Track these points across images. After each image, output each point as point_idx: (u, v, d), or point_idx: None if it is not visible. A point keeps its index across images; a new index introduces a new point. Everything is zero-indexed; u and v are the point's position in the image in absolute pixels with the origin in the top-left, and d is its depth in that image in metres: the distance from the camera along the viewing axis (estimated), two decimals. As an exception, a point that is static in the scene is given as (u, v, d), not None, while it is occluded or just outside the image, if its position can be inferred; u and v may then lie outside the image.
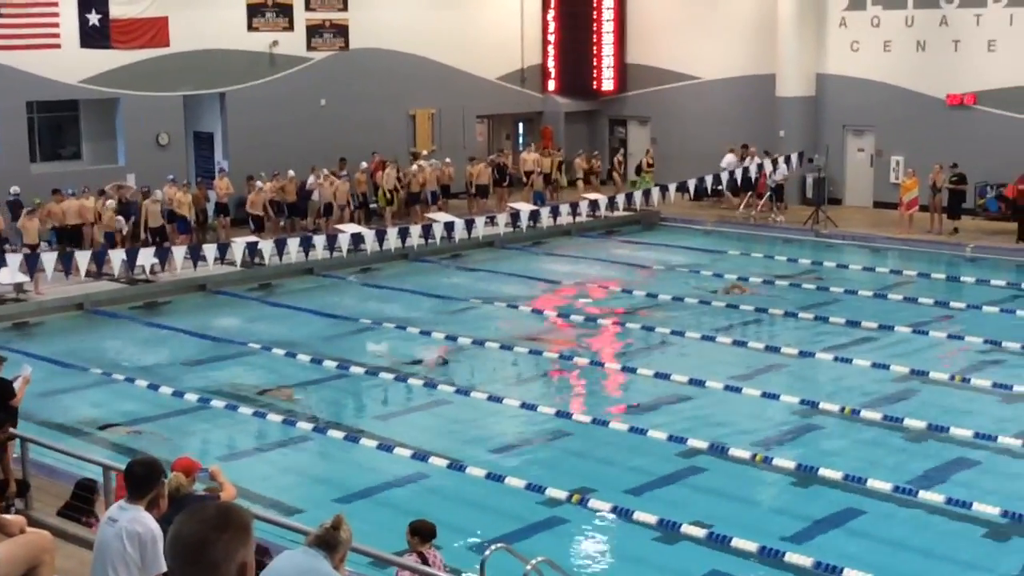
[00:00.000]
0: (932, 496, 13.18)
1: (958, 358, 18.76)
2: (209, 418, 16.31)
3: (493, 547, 10.35)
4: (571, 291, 24.63)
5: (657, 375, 17.92)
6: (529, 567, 9.89)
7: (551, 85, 37.91)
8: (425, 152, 33.05)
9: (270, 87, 31.51)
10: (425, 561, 9.44)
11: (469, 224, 27.81)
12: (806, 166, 31.74)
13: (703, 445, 14.78)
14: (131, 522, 7.00)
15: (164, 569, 6.98)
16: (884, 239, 28.55)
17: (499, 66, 36.60)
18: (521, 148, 36.43)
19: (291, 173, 29.36)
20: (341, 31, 32.68)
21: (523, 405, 16.52)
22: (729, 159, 31.93)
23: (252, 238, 25.80)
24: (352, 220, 28.93)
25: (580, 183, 33.94)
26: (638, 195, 30.31)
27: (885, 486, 13.44)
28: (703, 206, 32.72)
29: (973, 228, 28.52)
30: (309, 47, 32.21)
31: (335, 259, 26.04)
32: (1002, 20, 29.97)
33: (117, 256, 23.31)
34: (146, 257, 23.60)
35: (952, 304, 22.21)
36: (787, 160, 30.97)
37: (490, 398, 16.87)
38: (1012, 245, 27.12)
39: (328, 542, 6.25)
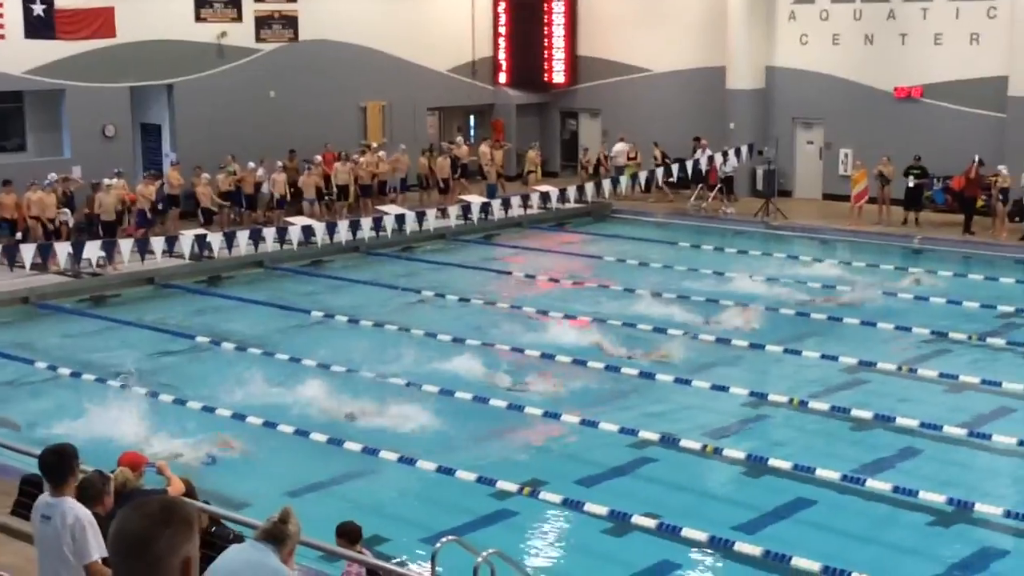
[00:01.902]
0: (879, 484, 13.30)
1: (905, 348, 18.91)
2: (158, 412, 16.13)
3: (444, 540, 10.32)
4: (522, 283, 24.63)
5: (608, 367, 17.95)
6: (480, 559, 9.85)
7: (502, 78, 37.90)
8: (375, 144, 32.91)
9: (218, 79, 31.25)
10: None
11: (420, 216, 27.75)
12: (756, 158, 31.92)
13: (654, 436, 14.82)
14: (63, 515, 6.95)
15: (94, 557, 6.93)
16: (833, 231, 28.77)
17: (450, 58, 36.53)
18: (472, 140, 36.38)
19: (251, 165, 29.18)
20: (290, 22, 32.46)
21: (475, 399, 16.50)
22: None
23: (201, 231, 25.61)
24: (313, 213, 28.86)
25: (532, 176, 33.94)
26: (589, 188, 30.36)
27: (833, 475, 13.55)
28: (654, 198, 32.83)
29: (921, 220, 28.80)
30: (258, 38, 31.97)
31: (286, 252, 25.91)
32: (948, 14, 30.28)
33: (63, 249, 23.04)
34: (92, 250, 23.35)
35: (900, 295, 22.40)
36: (737, 152, 31.14)
37: (442, 391, 16.83)
38: (959, 237, 27.42)
39: (276, 535, 6.20)
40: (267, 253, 25.62)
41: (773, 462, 14.00)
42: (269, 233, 25.49)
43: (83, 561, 6.90)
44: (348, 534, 9.66)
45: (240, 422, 15.65)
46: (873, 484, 13.34)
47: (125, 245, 23.62)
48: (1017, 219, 27.51)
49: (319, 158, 30.30)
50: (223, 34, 31.23)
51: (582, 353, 18.76)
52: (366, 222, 26.92)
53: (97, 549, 6.94)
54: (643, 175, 31.33)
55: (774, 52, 33.21)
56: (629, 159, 33.56)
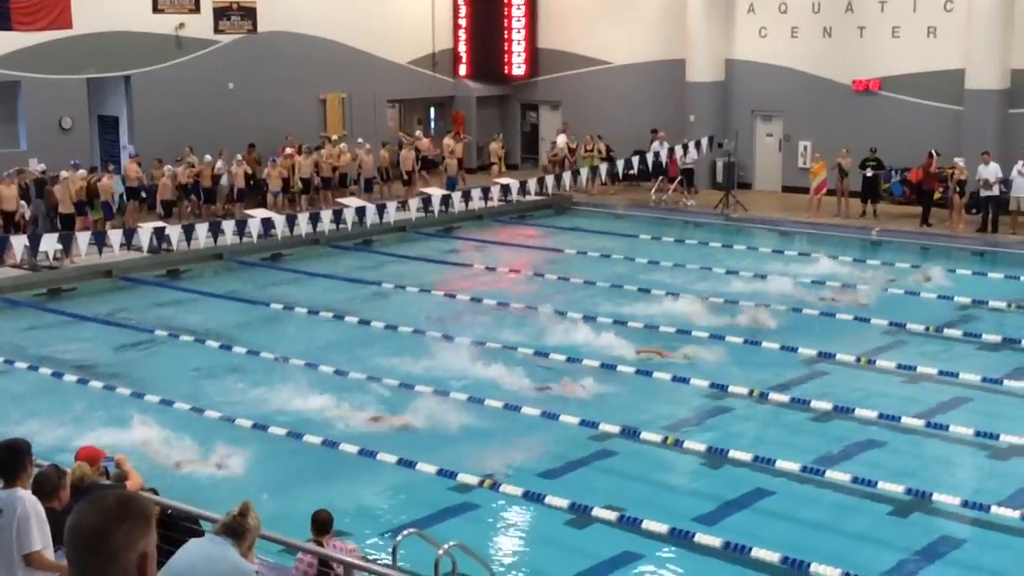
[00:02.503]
0: (838, 475, 13.39)
1: (864, 340, 19.02)
2: (116, 405, 16.01)
3: (405, 532, 10.31)
4: (483, 275, 24.60)
5: (569, 359, 17.97)
6: (441, 552, 9.85)
7: (462, 70, 37.82)
8: (335, 136, 32.77)
9: (177, 70, 31.01)
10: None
11: (380, 209, 27.68)
12: (716, 151, 32.04)
13: (615, 429, 14.84)
14: (13, 507, 6.90)
15: (36, 547, 6.86)
16: (793, 223, 28.92)
17: (410, 50, 36.43)
18: (433, 133, 36.31)
19: (207, 158, 28.98)
20: (249, 14, 32.26)
21: (436, 391, 16.46)
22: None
23: (159, 223, 25.41)
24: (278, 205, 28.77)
25: (495, 168, 33.92)
26: (550, 180, 30.38)
27: (793, 466, 13.63)
28: (615, 190, 32.90)
29: (880, 212, 29.00)
30: (216, 30, 31.76)
31: (245, 244, 25.76)
32: (906, 7, 30.49)
33: (19, 242, 22.79)
34: (49, 243, 23.11)
35: (858, 287, 22.54)
36: (697, 145, 31.23)
37: (402, 384, 16.78)
38: (916, 229, 27.63)
39: (235, 529, 6.19)
40: (226, 246, 25.44)
41: (733, 453, 14.06)
42: (228, 226, 25.32)
43: (24, 551, 6.83)
44: (314, 521, 9.61)
45: (198, 416, 15.55)
46: (832, 475, 13.42)
47: (83, 238, 23.39)
48: (974, 211, 27.74)
49: (289, 150, 30.14)
50: (181, 25, 30.99)
51: (543, 346, 18.76)
52: (326, 215, 26.79)
53: (40, 540, 6.87)
54: (603, 167, 31.39)
55: (733, 45, 33.32)
56: (587, 151, 33.59)
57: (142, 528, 3.77)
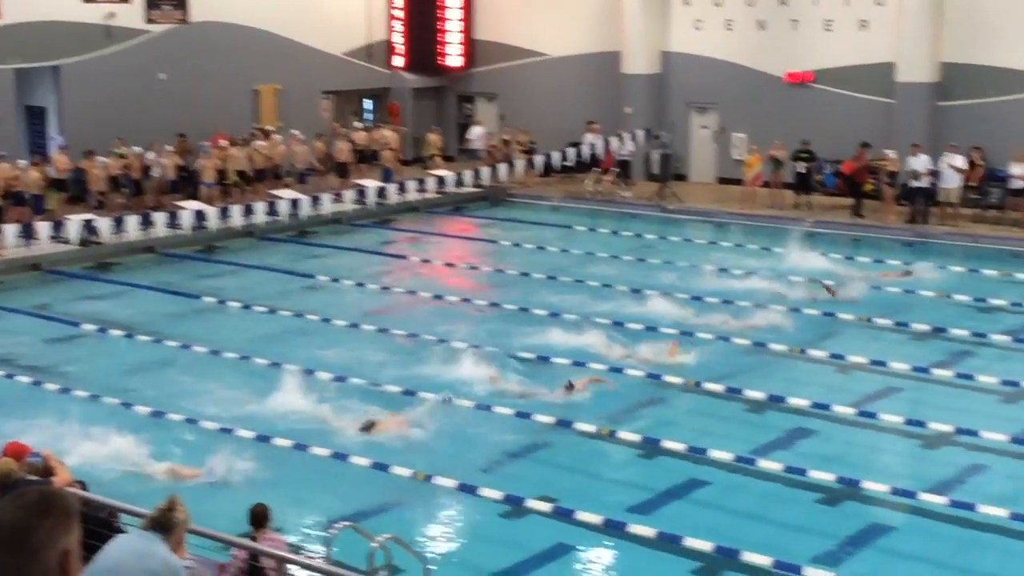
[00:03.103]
0: (770, 464, 13.50)
1: (796, 330, 19.17)
2: (43, 400, 15.77)
3: (339, 525, 10.26)
4: (418, 267, 24.53)
5: (505, 350, 17.95)
6: (375, 544, 9.82)
7: (398, 61, 37.65)
8: (271, 128, 32.52)
9: (107, 61, 30.59)
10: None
11: (315, 201, 27.52)
12: (651, 142, 32.18)
13: (549, 420, 14.86)
14: None
15: None
16: (727, 214, 29.12)
17: (345, 41, 36.21)
18: (370, 124, 36.14)
19: (136, 149, 28.62)
20: (180, 3, 31.91)
21: (369, 384, 16.39)
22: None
23: (88, 215, 25.06)
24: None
25: (436, 159, 33.84)
26: (485, 171, 30.35)
27: (727, 456, 13.72)
28: (551, 182, 32.95)
29: (813, 203, 29.26)
30: (147, 19, 31.36)
31: (177, 237, 25.50)
32: (838, 1, 30.77)
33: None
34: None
35: (791, 277, 22.73)
36: (633, 136, 31.35)
37: (336, 377, 16.69)
38: (848, 220, 27.94)
39: (163, 524, 6.16)
40: (158, 238, 25.17)
41: (667, 444, 14.13)
42: (160, 218, 25.05)
43: None
44: (251, 514, 9.52)
45: (127, 410, 15.36)
46: (764, 464, 13.54)
47: (9, 230, 23.01)
48: (904, 202, 28.08)
49: (224, 142, 29.84)
50: (111, 15, 30.56)
51: (477, 338, 18.75)
52: (260, 206, 26.60)
53: None
54: (539, 159, 31.43)
55: (669, 37, 33.47)
56: (519, 143, 33.60)
57: (65, 525, 3.71)
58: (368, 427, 14.40)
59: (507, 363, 17.27)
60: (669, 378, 16.60)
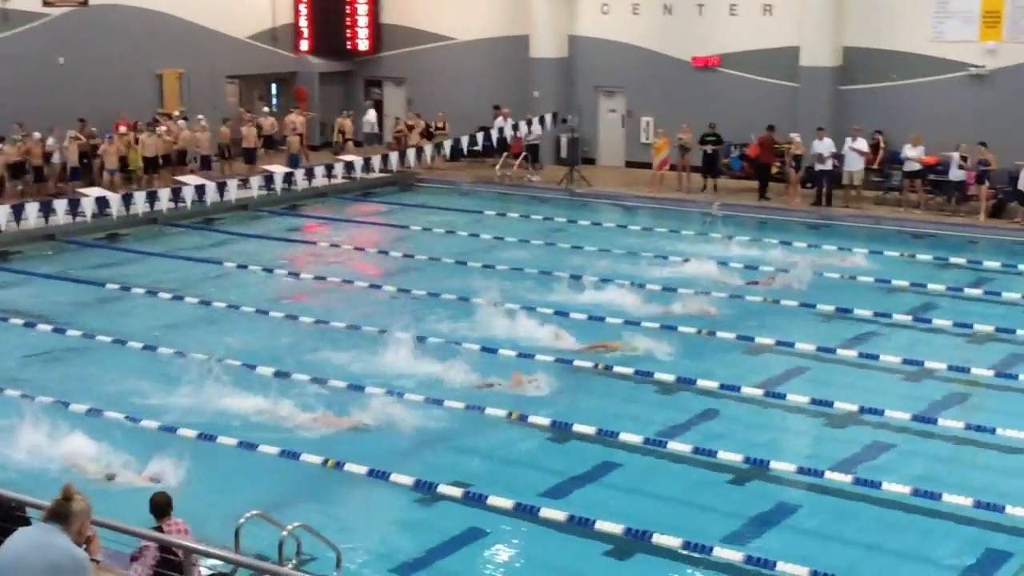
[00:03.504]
0: (680, 446, 13.59)
1: (704, 310, 19.31)
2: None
3: (248, 514, 10.11)
4: (327, 253, 24.32)
5: (415, 335, 17.85)
6: (285, 533, 9.70)
7: (304, 45, 37.26)
8: (176, 113, 32.00)
9: (3, 44, 29.91)
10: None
11: (221, 187, 27.15)
12: (560, 126, 32.24)
13: (459, 405, 14.80)
14: None
15: None
16: (636, 197, 29.28)
17: (249, 25, 35.74)
18: (276, 109, 35.76)
19: (36, 135, 27.99)
20: (80, -14, 31.25)
21: (277, 373, 16.22)
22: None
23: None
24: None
25: (349, 143, 33.56)
26: (393, 156, 30.19)
27: (636, 439, 13.78)
28: (460, 166, 32.88)
29: (719, 186, 29.56)
30: (45, 2, 30.70)
31: (79, 224, 25.00)
32: (743, -15, 31.09)
33: None
34: None
35: (698, 260, 22.90)
36: (541, 120, 31.38)
37: (244, 364, 16.48)
38: (755, 203, 28.24)
39: (60, 514, 6.10)
40: (59, 226, 24.66)
41: (578, 427, 14.15)
42: (60, 205, 24.54)
43: None
44: (154, 506, 9.35)
45: (29, 401, 15.00)
46: (674, 446, 13.62)
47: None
48: (809, 185, 28.45)
49: (123, 128, 29.29)
50: (6, -1, 29.87)
51: (386, 324, 18.64)
52: (164, 193, 26.18)
53: None
54: (448, 144, 31.33)
55: (576, 22, 33.52)
56: (438, 129, 33.49)
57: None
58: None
59: (417, 348, 17.18)
60: (579, 362, 16.62)
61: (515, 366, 16.45)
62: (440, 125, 33.45)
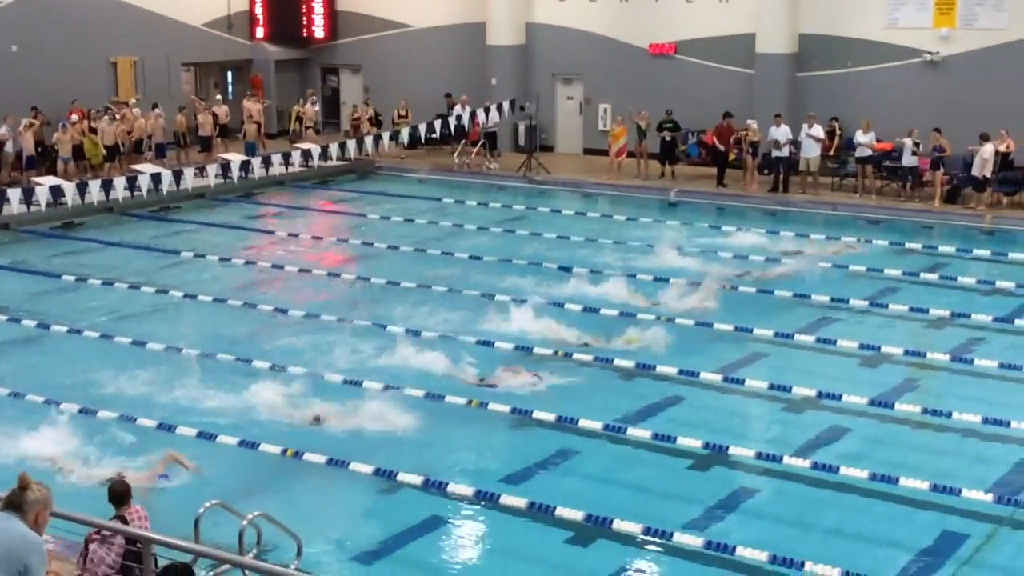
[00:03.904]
0: (640, 432, 13.63)
1: (663, 298, 19.36)
2: None
3: (207, 504, 10.06)
4: (286, 242, 24.19)
5: (374, 324, 17.84)
6: (245, 522, 9.66)
7: (260, 32, 37.01)
8: (133, 101, 31.70)
9: (-45, 32, 29.52)
10: (125, 523, 9.04)
11: (177, 176, 26.94)
12: (518, 114, 32.22)
13: (418, 393, 14.78)
14: None
15: None
16: (594, 184, 29.32)
17: (204, 12, 35.47)
18: (232, 97, 35.52)
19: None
20: (32, -27, 30.87)
21: (237, 359, 16.15)
22: None
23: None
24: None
25: (309, 131, 33.38)
26: (351, 145, 30.08)
27: (596, 425, 13.81)
28: (419, 154, 32.79)
29: (677, 173, 29.65)
30: (-3, -10, 30.32)
31: (33, 214, 24.74)
32: (700, -28, 31.16)
33: None
34: None
35: (658, 246, 22.98)
36: (499, 108, 31.34)
37: (203, 354, 16.39)
38: (712, 189, 28.35)
39: (16, 503, 6.17)
40: (13, 215, 24.39)
41: (538, 414, 14.16)
42: (15, 194, 24.26)
43: None
44: (113, 495, 9.27)
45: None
46: (634, 432, 13.66)
47: None
48: (766, 172, 28.59)
49: (75, 117, 28.99)
50: (-42, -16, 29.49)
51: (344, 311, 18.60)
52: (120, 182, 25.96)
53: None
54: (405, 132, 31.23)
55: (533, 9, 33.49)
56: (400, 117, 33.36)
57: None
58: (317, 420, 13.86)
59: (377, 336, 17.14)
60: (539, 350, 16.63)
61: (477, 353, 16.44)
62: (403, 113, 33.25)
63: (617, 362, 16.11)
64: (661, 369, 15.79)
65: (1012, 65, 27.66)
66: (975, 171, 25.63)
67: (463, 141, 31.74)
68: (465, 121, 31.27)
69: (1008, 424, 13.78)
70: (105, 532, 9.01)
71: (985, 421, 13.92)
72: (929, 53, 28.59)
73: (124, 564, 8.97)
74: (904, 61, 28.98)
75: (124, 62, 33.17)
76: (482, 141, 31.72)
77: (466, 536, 11.51)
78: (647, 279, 20.46)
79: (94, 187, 25.46)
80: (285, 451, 13.02)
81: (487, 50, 33.49)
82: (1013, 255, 22.22)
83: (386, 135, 30.83)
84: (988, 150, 25.29)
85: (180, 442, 13.36)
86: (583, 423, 13.85)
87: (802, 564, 10.49)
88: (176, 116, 31.22)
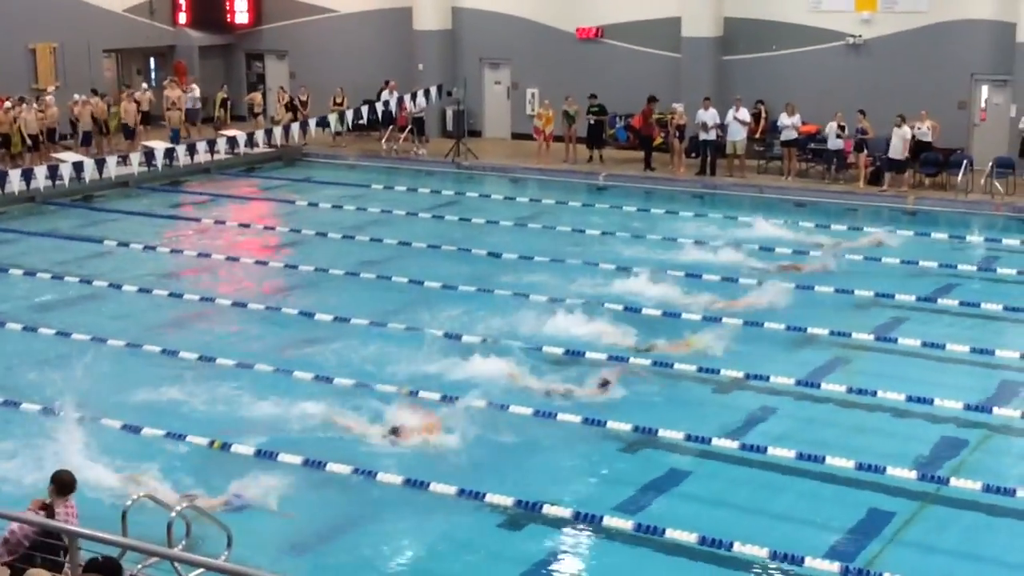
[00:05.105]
0: (570, 417, 13.62)
1: (591, 282, 19.40)
2: None
3: (135, 496, 9.96)
4: (212, 230, 23.93)
5: (301, 313, 17.72)
6: (173, 514, 9.58)
7: (182, 18, 36.51)
8: (51, 89, 31.14)
9: None
10: (52, 515, 8.91)
11: (100, 164, 26.55)
12: (446, 99, 32.12)
13: (349, 383, 14.69)
14: None
15: None
16: (523, 169, 29.32)
17: (126, -3, 34.92)
18: (155, 84, 35.04)
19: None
20: (-54, -43, 30.21)
21: (163, 351, 15.96)
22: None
23: None
24: None
25: (259, 118, 33.06)
26: (278, 131, 29.83)
27: (527, 411, 13.79)
28: (346, 140, 32.58)
29: (606, 157, 29.73)
30: (-90, -25, 29.62)
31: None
32: (625, -44, 31.21)
33: None
34: None
35: (587, 231, 23.05)
36: (427, 93, 31.22)
37: (128, 344, 16.19)
38: (640, 173, 28.46)
39: None
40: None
41: (470, 400, 14.07)
42: (-68, 185, 23.79)
43: None
44: (55, 482, 9.11)
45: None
46: (564, 417, 13.63)
47: None
48: (693, 155, 28.74)
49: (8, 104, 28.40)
50: None
51: (273, 301, 18.46)
52: (40, 171, 25.52)
53: None
54: (334, 118, 31.00)
55: (459, -7, 33.41)
56: (336, 104, 33.05)
57: None
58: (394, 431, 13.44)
59: (305, 324, 17.03)
60: (468, 338, 16.58)
61: (402, 340, 16.39)
62: (339, 100, 32.83)
63: (546, 350, 16.09)
64: (589, 355, 15.80)
65: (932, 47, 28.04)
66: (892, 153, 25.94)
67: (391, 127, 31.57)
68: (393, 107, 31.12)
69: (932, 402, 14.02)
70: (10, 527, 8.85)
71: (909, 399, 14.15)
72: (852, 36, 28.90)
73: (41, 541, 8.78)
74: (828, 44, 29.27)
75: (44, 49, 32.56)
76: (410, 127, 31.57)
77: (399, 524, 11.40)
78: (575, 262, 20.49)
79: (14, 176, 25.01)
80: (212, 442, 12.86)
81: (414, 35, 33.33)
82: (936, 235, 22.54)
83: (312, 121, 30.58)
84: (906, 132, 25.65)
85: (105, 433, 13.14)
86: (513, 408, 13.81)
87: (731, 545, 10.59)
88: (98, 104, 30.68)
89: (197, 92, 32.95)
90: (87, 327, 16.92)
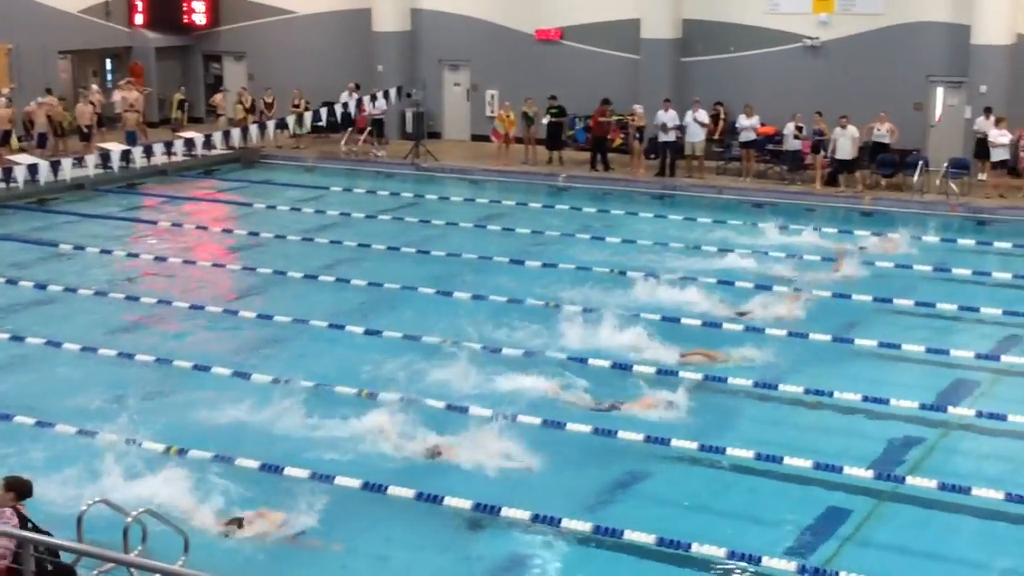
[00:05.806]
0: (529, 419, 13.57)
1: (552, 285, 19.38)
2: None
3: (91, 502, 9.86)
4: (169, 233, 23.76)
5: (260, 315, 17.64)
6: (130, 519, 9.50)
7: (139, 19, 36.24)
8: (6, 91, 30.83)
9: None
10: (21, 515, 8.84)
11: (55, 166, 26.31)
12: (405, 101, 32.06)
13: (308, 384, 14.61)
14: None
15: None
16: (482, 171, 29.31)
17: (81, -2, 34.62)
18: (110, 85, 34.77)
19: None
20: (-103, -43, 29.83)
21: (120, 354, 15.83)
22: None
23: None
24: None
25: (221, 119, 32.85)
26: (236, 133, 29.66)
27: (485, 412, 13.75)
28: (305, 142, 32.45)
29: (565, 158, 29.76)
30: None
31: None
32: (584, -42, 31.26)
33: None
34: None
35: (547, 232, 23.07)
36: (386, 95, 31.15)
37: (84, 348, 16.05)
38: (600, 174, 28.52)
39: None
40: None
41: (429, 402, 14.08)
42: None
43: None
44: (14, 487, 9.02)
45: None
46: (523, 419, 13.59)
47: None
48: (652, 156, 28.83)
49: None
50: None
51: (232, 303, 18.35)
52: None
53: None
54: (292, 119, 30.87)
55: (418, -6, 33.36)
56: (294, 106, 32.91)
57: None
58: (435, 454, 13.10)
59: (263, 328, 16.94)
60: (428, 338, 16.53)
61: (357, 340, 16.33)
62: (296, 103, 32.64)
63: (505, 352, 16.06)
64: (550, 354, 15.80)
65: (889, 49, 28.26)
66: (840, 154, 26.14)
67: (350, 129, 31.48)
68: (352, 108, 31.04)
69: (887, 402, 14.12)
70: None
71: (865, 399, 14.24)
72: (809, 38, 29.09)
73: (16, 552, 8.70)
74: (785, 46, 29.44)
75: (-2, 50, 32.28)
76: (369, 128, 31.49)
77: (357, 527, 11.36)
78: (535, 264, 20.51)
79: (-32, 179, 24.78)
80: (168, 448, 12.77)
81: (373, 36, 33.24)
82: (892, 235, 22.69)
83: (271, 123, 30.43)
84: (852, 132, 25.88)
85: (58, 439, 13.03)
86: (473, 410, 13.78)
87: (689, 546, 10.62)
88: (55, 105, 30.40)
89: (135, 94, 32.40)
90: (41, 332, 16.74)
